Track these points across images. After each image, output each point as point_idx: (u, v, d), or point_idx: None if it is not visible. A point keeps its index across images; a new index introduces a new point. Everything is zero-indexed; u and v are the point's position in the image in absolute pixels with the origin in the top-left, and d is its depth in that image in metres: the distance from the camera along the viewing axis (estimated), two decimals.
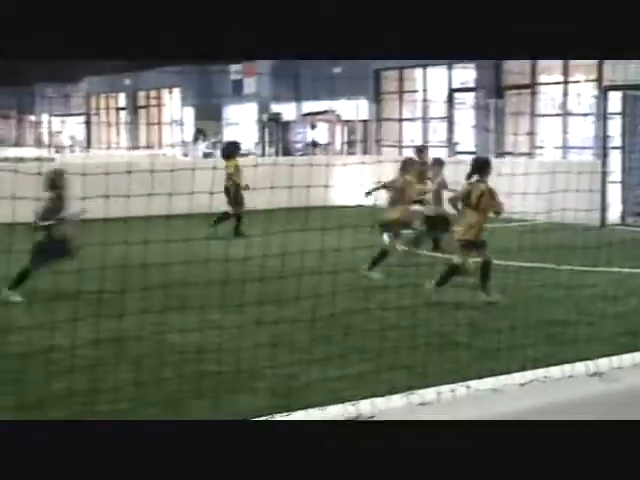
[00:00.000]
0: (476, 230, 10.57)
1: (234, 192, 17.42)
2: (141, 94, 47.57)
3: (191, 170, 13.81)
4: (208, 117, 41.28)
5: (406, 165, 13.23)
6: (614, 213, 20.24)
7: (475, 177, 10.83)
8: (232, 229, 16.69)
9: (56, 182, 10.39)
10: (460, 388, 3.42)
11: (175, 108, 44.53)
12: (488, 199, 10.60)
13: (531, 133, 26.11)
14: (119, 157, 31.90)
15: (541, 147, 26.34)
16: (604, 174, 19.47)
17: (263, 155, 34.60)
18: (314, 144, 33.97)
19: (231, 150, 18.96)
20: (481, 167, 10.96)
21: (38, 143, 50.09)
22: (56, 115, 54.76)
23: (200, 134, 39.60)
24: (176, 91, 44.17)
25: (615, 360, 3.78)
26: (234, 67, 40.13)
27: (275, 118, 37.22)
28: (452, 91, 29.43)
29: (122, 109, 49.86)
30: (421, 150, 17.01)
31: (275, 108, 37.78)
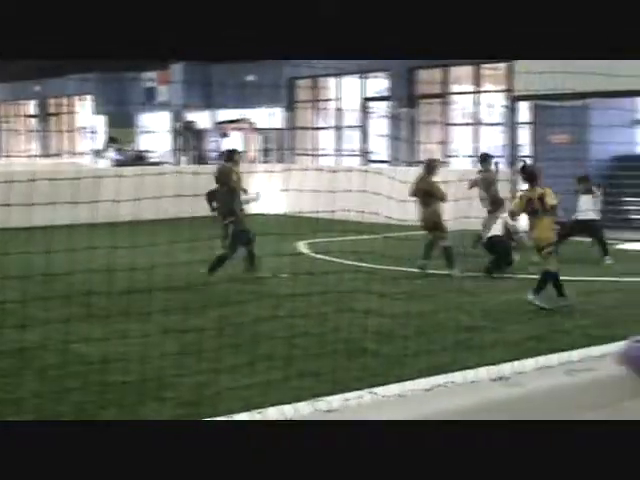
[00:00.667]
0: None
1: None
2: (52, 101, 46.81)
3: (98, 178, 13.62)
4: (121, 125, 40.83)
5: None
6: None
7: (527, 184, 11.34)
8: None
9: None
10: (366, 394, 3.40)
11: (87, 116, 43.94)
12: (550, 198, 11.05)
13: (443, 142, 26.43)
14: (24, 165, 31.32)
15: (453, 156, 26.69)
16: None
17: (178, 164, 34.35)
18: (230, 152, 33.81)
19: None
20: (532, 175, 11.50)
21: None
22: None
23: (112, 142, 39.15)
24: (88, 98, 43.57)
25: (517, 365, 3.81)
26: (147, 75, 39.78)
27: (189, 126, 36.98)
28: (366, 100, 29.62)
29: (32, 117, 49.01)
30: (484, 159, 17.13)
31: (189, 116, 37.55)
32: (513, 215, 12.04)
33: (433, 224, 13.73)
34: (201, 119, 37.35)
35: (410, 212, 12.04)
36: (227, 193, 13.68)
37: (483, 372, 3.72)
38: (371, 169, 18.14)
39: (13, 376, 6.82)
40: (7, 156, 45.02)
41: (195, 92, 36.67)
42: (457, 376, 3.66)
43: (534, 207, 10.98)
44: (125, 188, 14.74)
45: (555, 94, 12.69)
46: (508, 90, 23.82)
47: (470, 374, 3.67)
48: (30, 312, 8.76)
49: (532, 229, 11.21)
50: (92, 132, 41.45)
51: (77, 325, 7.97)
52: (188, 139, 36.89)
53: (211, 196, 17.25)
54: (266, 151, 33.70)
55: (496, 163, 17.43)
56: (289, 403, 3.55)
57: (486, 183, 16.16)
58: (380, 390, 3.47)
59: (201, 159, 34.95)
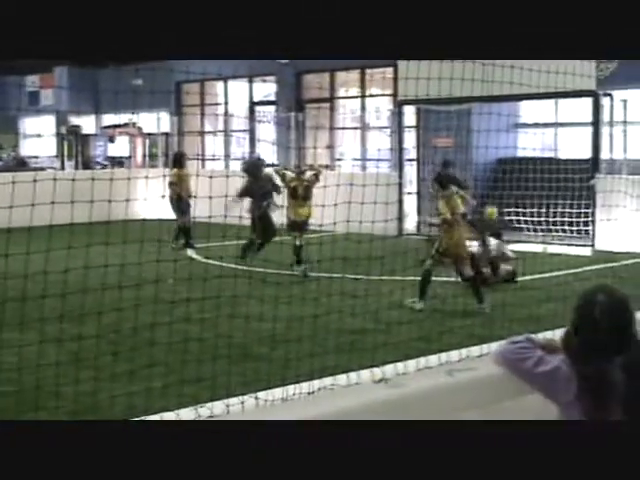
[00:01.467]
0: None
1: (176, 202, 17.73)
2: None
3: None
4: (3, 129, 39.88)
5: None
6: (410, 223, 20.92)
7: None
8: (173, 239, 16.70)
9: None
10: (249, 399, 3.42)
11: None
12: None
13: (330, 146, 26.65)
14: None
15: (340, 159, 26.93)
16: (400, 185, 20.07)
17: (62, 168, 33.74)
18: (114, 159, 33.45)
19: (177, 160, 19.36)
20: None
21: None
22: None
23: None
24: None
25: (400, 366, 3.88)
26: (30, 78, 38.97)
27: (74, 131, 36.36)
28: (253, 104, 29.65)
29: None
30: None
31: (74, 121, 36.93)
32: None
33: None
34: (87, 123, 36.79)
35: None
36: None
37: (366, 374, 3.77)
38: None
39: None
40: None
41: (81, 96, 36.11)
42: (340, 378, 3.71)
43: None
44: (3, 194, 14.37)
45: (439, 99, 12.92)
46: (394, 94, 24.16)
47: (353, 376, 3.72)
48: None
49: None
50: None
51: None
52: (72, 144, 36.27)
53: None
54: (153, 156, 33.39)
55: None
56: (171, 410, 3.53)
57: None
58: (263, 394, 3.49)
59: (86, 164, 34.40)
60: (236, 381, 6.87)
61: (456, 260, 12.12)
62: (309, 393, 3.53)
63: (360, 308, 10.30)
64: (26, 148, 39.59)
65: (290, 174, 16.00)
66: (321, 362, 6.65)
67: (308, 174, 15.96)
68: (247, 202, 15.86)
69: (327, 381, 3.66)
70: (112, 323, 8.53)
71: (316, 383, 3.59)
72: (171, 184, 18.25)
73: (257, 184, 15.97)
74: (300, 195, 15.47)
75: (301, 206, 15.39)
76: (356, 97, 27.14)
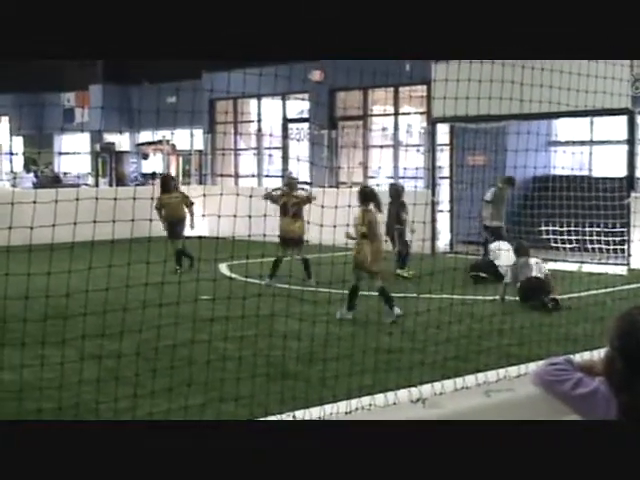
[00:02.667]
0: None
1: (168, 226, 18.03)
2: None
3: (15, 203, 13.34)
4: (39, 147, 40.27)
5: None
6: (444, 241, 20.87)
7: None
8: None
9: None
10: (287, 418, 3.43)
11: (3, 137, 43.23)
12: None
13: (363, 164, 26.68)
14: None
15: (373, 177, 26.93)
16: (434, 204, 20.04)
17: (97, 185, 34.01)
18: (152, 175, 33.64)
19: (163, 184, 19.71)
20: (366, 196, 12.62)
21: None
22: None
23: (31, 164, 38.59)
24: (4, 120, 42.89)
25: (438, 386, 3.87)
26: (65, 96, 39.37)
27: (108, 148, 36.66)
28: (286, 122, 29.75)
29: None
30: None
31: (108, 138, 37.22)
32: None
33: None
34: (121, 141, 37.06)
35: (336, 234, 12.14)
36: None
37: (404, 394, 3.77)
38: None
39: None
40: None
41: (115, 113, 36.38)
42: (378, 398, 3.71)
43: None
44: (43, 210, 14.50)
45: (472, 117, 12.93)
46: (427, 112, 24.15)
47: (391, 396, 3.72)
48: None
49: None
50: (9, 154, 40.81)
51: (6, 351, 7.85)
52: (107, 161, 36.55)
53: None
54: (186, 173, 33.57)
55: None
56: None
57: None
58: (300, 414, 3.49)
59: (120, 181, 34.67)
60: (273, 399, 6.88)
61: (369, 273, 12.42)
62: (347, 412, 3.53)
63: (396, 327, 10.28)
64: (61, 165, 39.93)
65: (278, 191, 16.40)
66: (358, 381, 6.65)
67: (301, 192, 16.26)
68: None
69: (365, 401, 3.66)
70: (151, 340, 8.58)
71: (354, 402, 3.59)
72: (156, 209, 18.16)
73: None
74: (290, 211, 15.64)
75: (291, 223, 15.53)
76: (389, 115, 27.15)
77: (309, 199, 15.48)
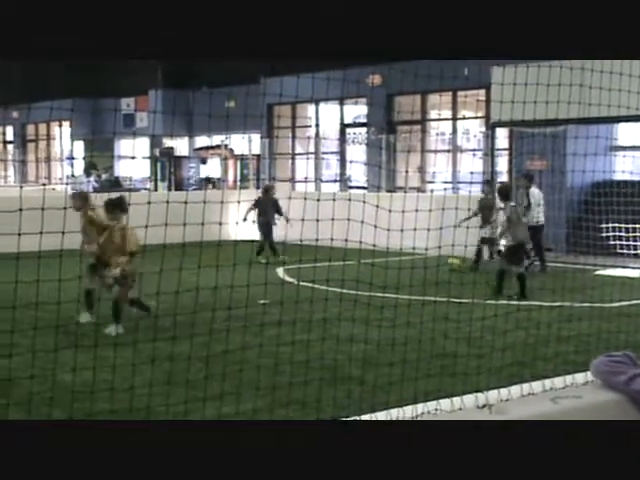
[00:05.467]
0: None
1: None
2: (30, 127, 46.71)
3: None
4: (99, 151, 40.78)
5: None
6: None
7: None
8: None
9: None
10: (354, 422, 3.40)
11: (65, 142, 43.84)
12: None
13: (421, 168, 26.57)
14: (6, 191, 31.20)
15: (431, 182, 26.82)
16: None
17: (156, 189, 34.32)
18: (207, 179, 33.87)
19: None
20: None
21: None
22: None
23: (91, 168, 39.07)
24: (66, 124, 43.49)
25: (504, 392, 3.82)
26: (125, 101, 39.79)
27: (167, 153, 36.98)
28: (344, 126, 29.74)
29: (9, 143, 48.86)
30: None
31: (168, 142, 37.55)
32: None
33: None
34: (179, 145, 37.37)
35: (394, 239, 12.06)
36: None
37: (469, 399, 3.72)
38: (353, 195, 18.18)
39: None
40: None
41: (174, 118, 36.69)
42: (444, 403, 3.66)
43: None
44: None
45: (531, 121, 12.80)
46: (486, 117, 23.99)
47: (456, 401, 3.68)
48: (16, 340, 8.72)
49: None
50: (70, 158, 41.36)
51: (60, 353, 7.92)
52: (166, 165, 36.87)
53: None
54: (244, 177, 33.74)
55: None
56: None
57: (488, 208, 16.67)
58: (367, 418, 3.46)
59: (178, 186, 34.95)
60: (327, 404, 6.86)
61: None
62: (413, 417, 3.49)
63: (452, 332, 10.20)
64: (120, 169, 40.38)
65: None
66: (414, 386, 6.60)
67: None
68: None
69: (430, 405, 3.62)
70: (204, 344, 8.61)
71: (420, 407, 3.55)
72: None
73: None
74: None
75: None
76: (447, 119, 27.02)
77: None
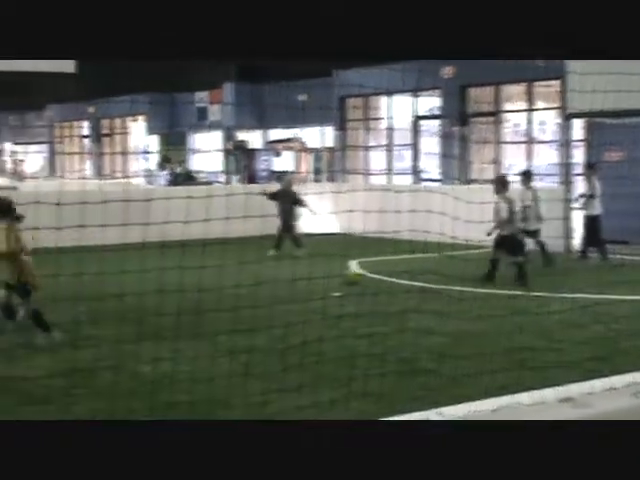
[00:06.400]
0: None
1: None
2: (105, 122, 47.39)
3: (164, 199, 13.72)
4: (173, 145, 41.18)
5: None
6: (578, 240, 20.35)
7: None
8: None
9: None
10: (433, 415, 3.38)
11: (140, 136, 44.39)
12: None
13: (496, 160, 26.31)
14: (78, 185, 31.70)
15: (505, 174, 26.51)
16: (568, 201, 19.61)
17: (229, 183, 34.55)
18: (279, 172, 34.03)
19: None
20: None
21: (0, 171, 49.74)
22: (19, 143, 54.42)
23: (165, 162, 39.49)
24: (141, 119, 44.03)
25: (586, 386, 3.77)
26: (199, 95, 40.13)
27: (240, 146, 37.20)
28: (417, 118, 29.59)
29: (86, 137, 49.64)
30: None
31: (240, 136, 37.76)
32: None
33: None
34: (252, 138, 37.55)
35: (471, 230, 11.95)
36: None
37: (550, 393, 3.67)
38: (427, 188, 18.16)
39: (81, 395, 6.92)
40: (61, 176, 45.68)
41: (247, 111, 36.90)
42: (523, 397, 3.62)
43: None
44: (177, 208, 14.87)
45: (609, 111, 12.57)
46: (561, 107, 23.63)
47: (536, 395, 3.63)
48: (99, 332, 8.89)
49: None
50: (145, 152, 41.86)
51: (136, 345, 8.03)
52: (239, 159, 37.11)
53: None
54: (317, 170, 33.81)
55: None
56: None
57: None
58: (446, 410, 3.44)
59: (251, 179, 35.14)
60: (404, 396, 6.84)
61: None
62: (492, 411, 3.46)
63: (528, 326, 10.10)
64: (194, 163, 40.74)
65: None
66: (492, 379, 6.54)
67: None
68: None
69: (510, 399, 3.59)
70: (282, 336, 8.65)
71: (500, 400, 3.52)
72: None
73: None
74: None
75: None
76: (522, 111, 26.70)
77: None
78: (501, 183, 14.33)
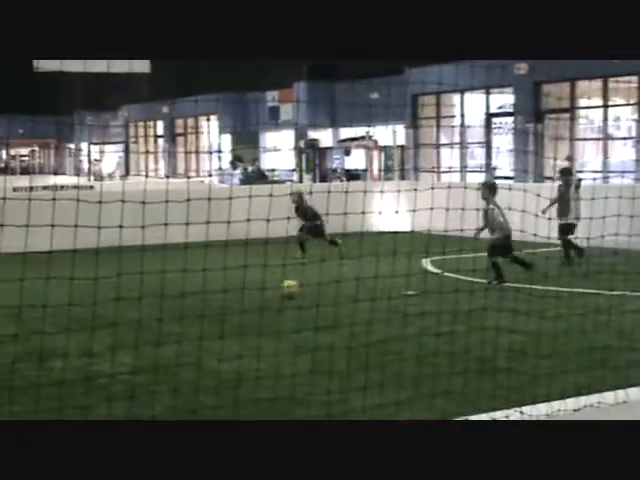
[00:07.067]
0: None
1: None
2: (179, 122, 47.90)
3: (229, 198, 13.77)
4: (245, 144, 41.45)
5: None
6: None
7: None
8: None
9: None
10: (514, 413, 3.34)
11: (213, 135, 44.76)
12: None
13: (570, 157, 25.95)
14: (158, 184, 32.06)
15: (581, 171, 26.16)
16: None
17: (300, 181, 34.64)
18: (350, 171, 34.03)
19: None
20: None
21: (77, 171, 50.57)
22: (95, 143, 55.30)
23: (238, 161, 39.75)
24: (213, 118, 44.40)
25: None
26: (271, 94, 40.32)
27: (312, 144, 37.27)
28: (490, 116, 29.34)
29: (160, 137, 50.22)
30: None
31: (312, 134, 37.83)
32: None
33: None
34: (324, 137, 37.59)
35: (544, 228, 11.79)
36: None
37: (634, 392, 3.60)
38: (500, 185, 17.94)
39: (149, 392, 6.98)
40: (136, 175, 46.29)
41: (318, 110, 36.97)
42: (607, 396, 3.55)
43: None
44: (253, 206, 14.88)
45: None
46: (638, 104, 23.26)
47: (620, 394, 3.56)
48: (165, 329, 8.96)
49: None
50: (218, 151, 42.19)
51: (217, 342, 8.08)
52: (310, 157, 37.19)
53: None
54: (388, 168, 33.71)
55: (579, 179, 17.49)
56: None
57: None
58: (527, 409, 3.40)
59: (323, 177, 35.19)
60: (484, 395, 6.76)
61: None
62: (575, 410, 3.40)
63: (603, 324, 9.93)
64: (265, 162, 40.94)
65: None
66: (573, 379, 6.43)
67: None
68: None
69: (593, 398, 3.52)
70: (361, 334, 8.64)
71: (582, 400, 3.46)
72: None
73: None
74: None
75: None
76: (597, 107, 26.31)
77: None
78: (489, 189, 13.93)
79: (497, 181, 25.85)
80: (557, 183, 16.94)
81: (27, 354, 8.44)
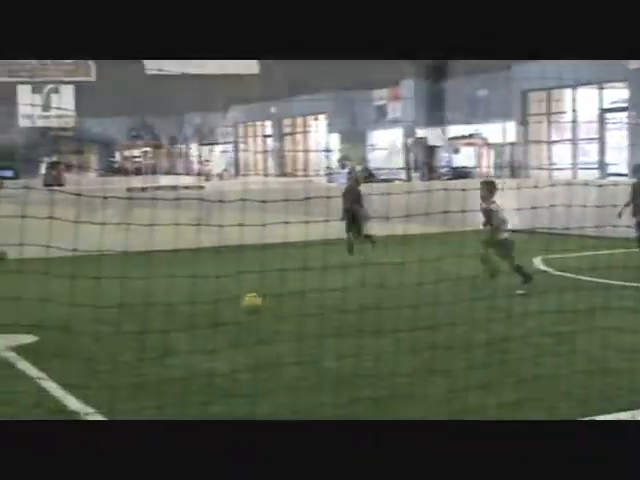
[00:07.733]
0: None
1: None
2: (287, 121, 48.27)
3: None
4: (353, 143, 41.53)
5: None
6: None
7: None
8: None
9: None
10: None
11: (321, 135, 44.97)
12: None
13: None
14: (262, 184, 32.37)
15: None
16: None
17: (409, 180, 34.54)
18: (459, 169, 33.73)
19: None
20: None
21: (188, 171, 51.41)
22: (205, 144, 56.12)
23: (346, 160, 39.83)
24: (322, 117, 44.60)
25: None
26: (377, 93, 40.30)
27: (420, 142, 37.12)
28: (603, 111, 28.76)
29: (268, 136, 50.69)
30: None
31: (420, 132, 37.66)
32: None
33: None
34: (432, 135, 37.38)
35: None
36: None
37: None
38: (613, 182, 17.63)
39: (266, 390, 7.07)
40: (245, 175, 46.82)
41: (426, 108, 36.80)
42: None
43: None
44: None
45: None
46: None
47: None
48: (282, 328, 9.07)
49: None
50: (326, 150, 42.36)
51: (320, 340, 8.14)
52: (419, 155, 37.02)
53: None
54: (498, 166, 33.32)
55: None
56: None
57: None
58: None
59: (432, 175, 35.00)
60: (596, 396, 6.65)
61: None
62: None
63: None
64: (373, 160, 40.92)
65: None
66: None
67: None
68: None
69: None
70: (464, 334, 8.59)
71: None
72: None
73: None
74: None
75: None
76: None
77: None
78: (489, 188, 13.33)
79: (612, 178, 25.35)
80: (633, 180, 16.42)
81: (149, 350, 8.57)
